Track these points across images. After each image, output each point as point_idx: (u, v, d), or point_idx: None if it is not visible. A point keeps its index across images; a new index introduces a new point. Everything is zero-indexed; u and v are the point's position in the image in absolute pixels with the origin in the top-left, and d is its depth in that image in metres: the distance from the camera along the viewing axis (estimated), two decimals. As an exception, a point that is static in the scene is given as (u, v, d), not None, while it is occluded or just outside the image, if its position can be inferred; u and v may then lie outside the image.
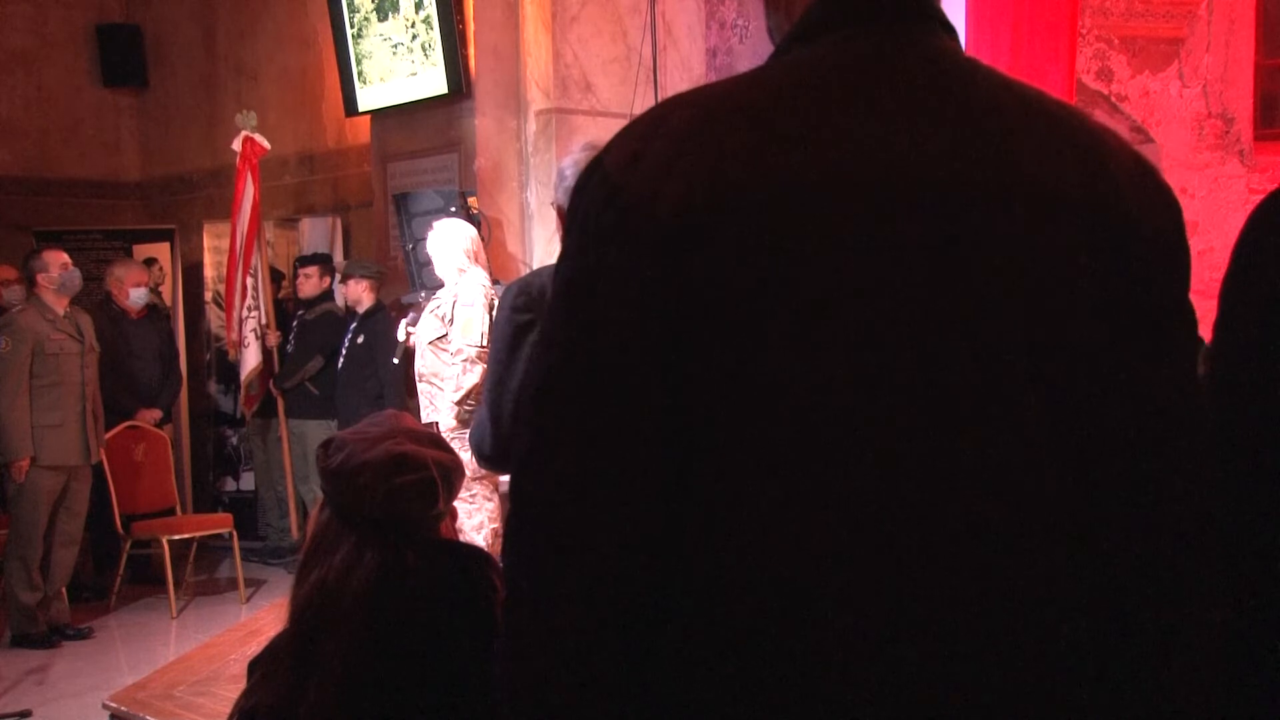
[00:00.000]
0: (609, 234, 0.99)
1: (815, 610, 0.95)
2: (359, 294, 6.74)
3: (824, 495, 0.95)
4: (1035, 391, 0.99)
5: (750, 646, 0.96)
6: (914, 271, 0.97)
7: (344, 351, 6.80)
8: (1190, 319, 1.09)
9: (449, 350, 4.85)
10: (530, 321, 2.36)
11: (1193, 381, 1.07)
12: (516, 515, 1.02)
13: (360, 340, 6.70)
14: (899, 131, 1.00)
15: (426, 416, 5.00)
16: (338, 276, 7.17)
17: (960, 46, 1.09)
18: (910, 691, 0.95)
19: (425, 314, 5.16)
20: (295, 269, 7.44)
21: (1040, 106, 1.07)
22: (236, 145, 7.04)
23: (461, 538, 4.50)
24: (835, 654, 0.95)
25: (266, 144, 7.07)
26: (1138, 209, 1.05)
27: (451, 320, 4.90)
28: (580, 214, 1.03)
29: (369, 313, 6.75)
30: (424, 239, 5.35)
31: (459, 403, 4.64)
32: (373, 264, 6.96)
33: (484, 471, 4.77)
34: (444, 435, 4.82)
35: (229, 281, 7.20)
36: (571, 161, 2.49)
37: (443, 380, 4.86)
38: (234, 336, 7.16)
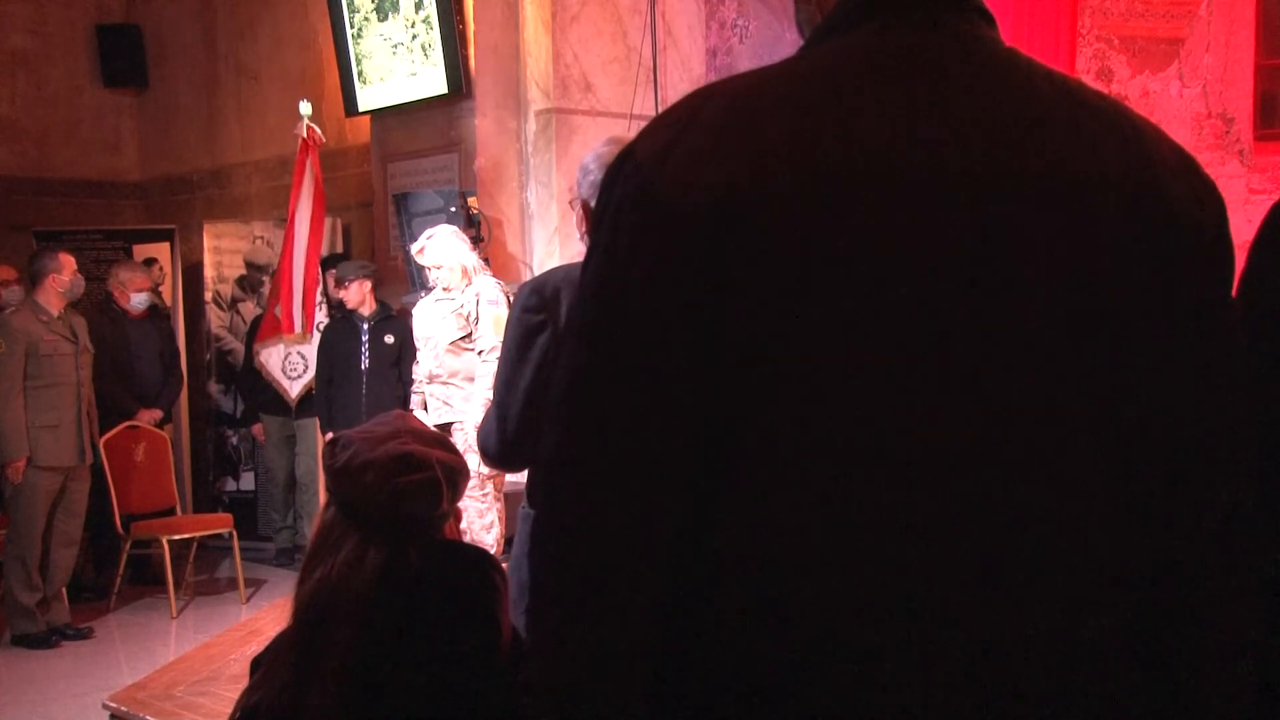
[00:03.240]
0: (641, 227, 0.98)
1: (852, 608, 0.94)
2: (363, 294, 6.68)
3: (863, 490, 0.94)
4: (1076, 384, 0.98)
5: (783, 645, 0.95)
6: (954, 263, 0.96)
7: (367, 352, 6.64)
8: (1232, 311, 1.08)
9: (475, 349, 4.90)
10: (542, 322, 2.36)
11: (1235, 374, 1.06)
12: (545, 515, 1.01)
13: (389, 340, 6.60)
14: (937, 122, 0.99)
15: (439, 418, 5.01)
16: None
17: (998, 35, 1.07)
18: (951, 682, 0.94)
19: (438, 316, 5.17)
20: (324, 269, 7.37)
21: (1081, 97, 1.05)
22: (302, 131, 6.85)
23: (470, 536, 4.53)
24: (874, 651, 0.94)
25: (323, 137, 6.98)
26: (1180, 201, 1.03)
27: (477, 319, 4.94)
28: (611, 208, 1.01)
29: (391, 314, 6.68)
30: (417, 249, 5.29)
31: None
32: (368, 262, 6.95)
33: (495, 470, 4.80)
34: (473, 434, 4.85)
35: (286, 267, 7.05)
36: (594, 156, 2.48)
37: (465, 379, 4.90)
38: (294, 319, 7.00)
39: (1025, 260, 0.98)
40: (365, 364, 6.62)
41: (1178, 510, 1.03)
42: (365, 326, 6.64)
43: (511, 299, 4.65)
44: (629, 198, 0.99)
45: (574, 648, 0.98)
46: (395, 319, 6.64)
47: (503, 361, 2.43)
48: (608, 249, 1.00)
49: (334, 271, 7.10)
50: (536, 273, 5.56)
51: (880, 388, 0.95)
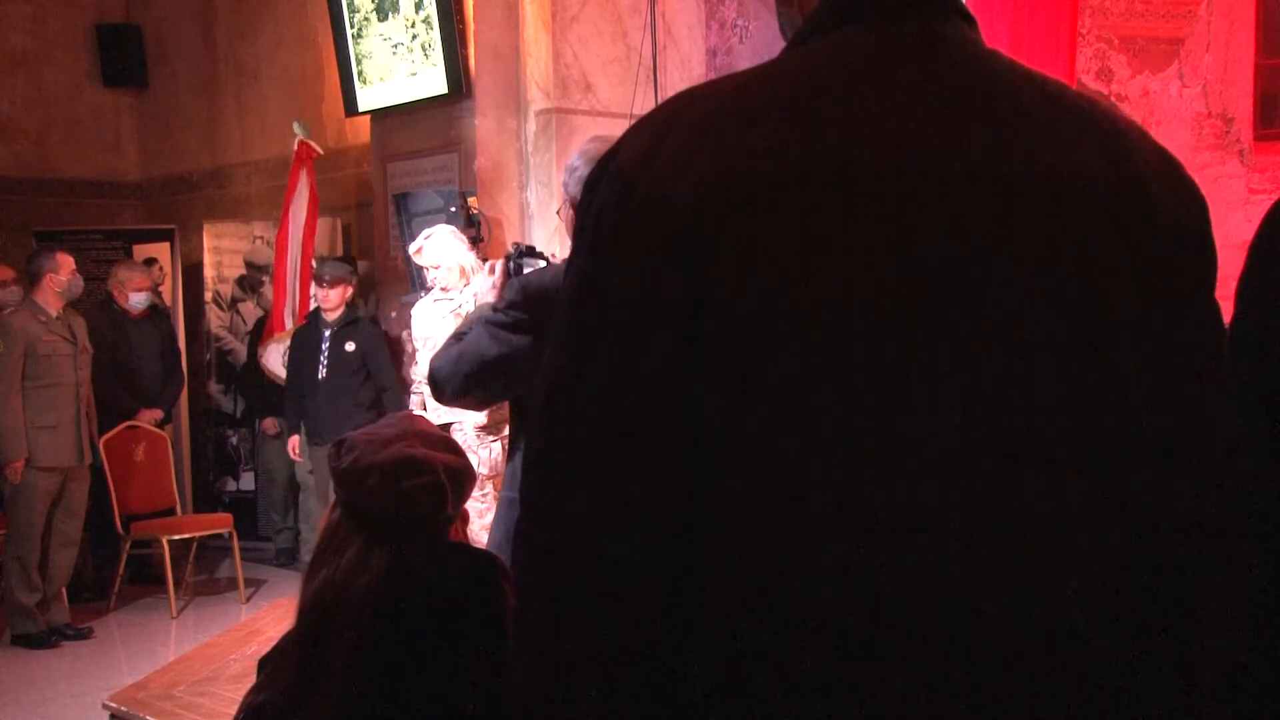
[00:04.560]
0: (623, 232, 0.98)
1: (842, 611, 0.94)
2: (344, 298, 6.48)
3: (846, 493, 0.94)
4: (1059, 387, 0.98)
5: (771, 649, 0.95)
6: (933, 265, 0.96)
7: (325, 360, 6.41)
8: (1216, 313, 1.08)
9: None
10: (517, 321, 2.38)
11: (1219, 376, 1.07)
12: (527, 521, 1.01)
13: (350, 348, 6.40)
14: (918, 124, 0.99)
15: (438, 419, 5.01)
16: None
17: (980, 37, 1.07)
18: (941, 684, 0.94)
19: (436, 316, 5.17)
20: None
21: (1062, 99, 1.05)
22: (293, 145, 7.07)
23: (470, 537, 4.53)
24: (863, 655, 0.94)
25: (319, 150, 7.13)
26: (1162, 203, 1.03)
27: None
28: (592, 212, 1.01)
29: (357, 319, 6.55)
30: (415, 249, 5.28)
31: None
32: (352, 264, 6.88)
33: (498, 470, 4.81)
34: (471, 434, 4.85)
35: (279, 269, 7.12)
36: (581, 153, 2.49)
37: None
38: (284, 317, 7.07)
39: (1007, 264, 0.98)
40: (322, 373, 6.43)
41: (1164, 510, 1.03)
42: (327, 333, 6.46)
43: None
44: (611, 200, 0.99)
45: (559, 655, 0.97)
46: (360, 324, 6.52)
47: (480, 323, 2.48)
48: (590, 251, 1.00)
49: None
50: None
51: (866, 390, 0.95)
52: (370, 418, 6.12)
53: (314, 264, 6.92)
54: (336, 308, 6.49)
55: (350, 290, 6.57)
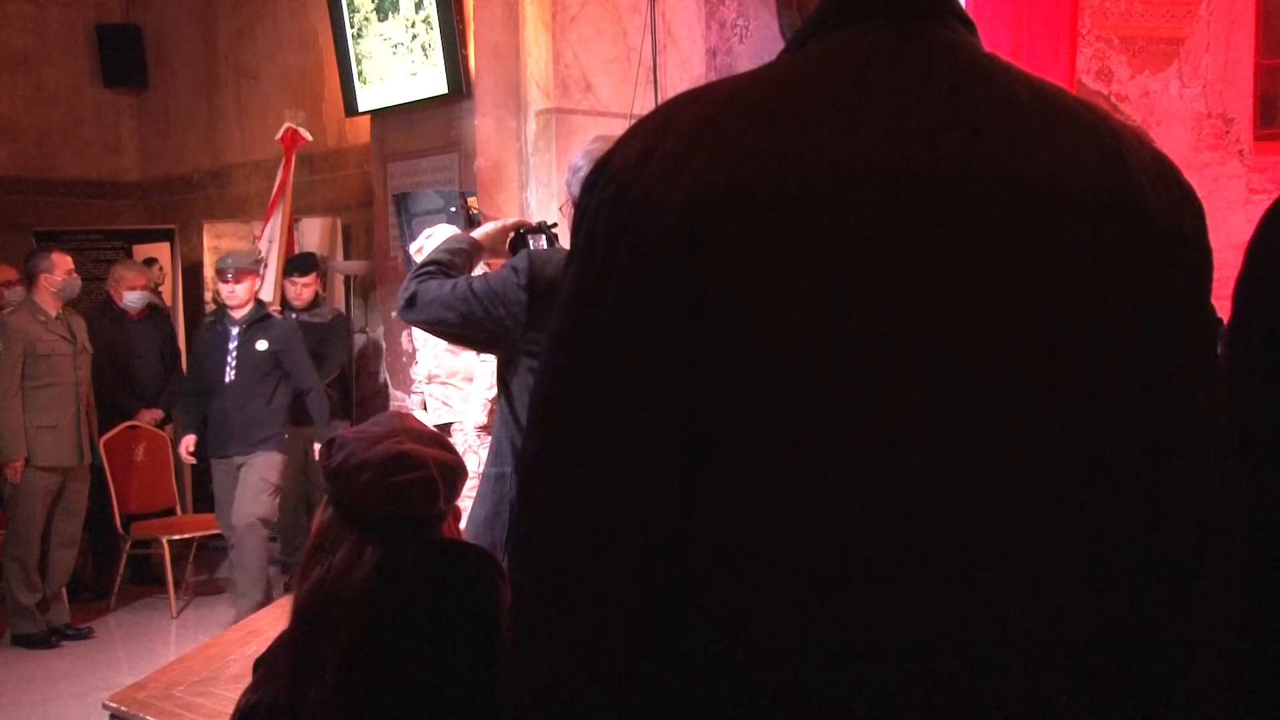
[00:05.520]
0: (619, 233, 0.98)
1: (832, 615, 0.94)
2: (251, 294, 6.06)
3: (835, 497, 0.94)
4: (1052, 390, 0.98)
5: (761, 648, 0.95)
6: (928, 269, 0.96)
7: (233, 362, 5.94)
8: (1210, 317, 1.08)
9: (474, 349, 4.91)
10: (522, 302, 2.42)
11: (1213, 380, 1.06)
12: (524, 519, 1.01)
13: (261, 347, 5.96)
14: (913, 127, 0.99)
15: (438, 418, 5.01)
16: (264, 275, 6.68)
17: (978, 41, 1.07)
18: (931, 688, 0.94)
19: None
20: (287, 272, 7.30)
21: (1059, 103, 1.05)
22: (277, 135, 7.13)
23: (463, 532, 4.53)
24: (852, 659, 0.94)
25: (308, 136, 7.17)
26: (1158, 207, 1.03)
27: None
28: (589, 214, 1.01)
29: (265, 315, 6.11)
30: (415, 248, 5.27)
31: (495, 399, 4.68)
32: (260, 254, 6.69)
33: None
34: (472, 434, 4.85)
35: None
36: (584, 153, 2.51)
37: (464, 380, 4.89)
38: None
39: (1001, 268, 0.98)
40: (230, 376, 5.95)
41: (1160, 512, 1.03)
42: (234, 331, 5.99)
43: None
44: (606, 204, 1.00)
45: (555, 655, 0.98)
46: (270, 322, 6.10)
47: (478, 279, 2.51)
48: (585, 255, 1.01)
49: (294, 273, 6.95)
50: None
51: (860, 395, 0.95)
52: (285, 425, 5.99)
53: (219, 260, 6.40)
54: (243, 304, 5.99)
55: (258, 282, 6.19)
